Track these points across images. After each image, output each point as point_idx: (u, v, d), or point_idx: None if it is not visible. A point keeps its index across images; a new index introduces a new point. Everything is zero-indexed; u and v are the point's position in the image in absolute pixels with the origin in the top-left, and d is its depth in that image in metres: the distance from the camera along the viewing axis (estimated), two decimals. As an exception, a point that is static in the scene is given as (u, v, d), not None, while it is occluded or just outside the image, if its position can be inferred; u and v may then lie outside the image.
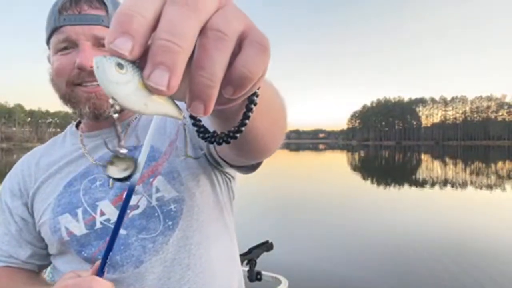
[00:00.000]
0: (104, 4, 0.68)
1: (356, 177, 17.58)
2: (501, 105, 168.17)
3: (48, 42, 0.72)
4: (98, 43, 0.68)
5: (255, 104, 0.35)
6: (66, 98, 0.70)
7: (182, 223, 0.68)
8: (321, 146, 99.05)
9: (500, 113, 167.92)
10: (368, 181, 15.39)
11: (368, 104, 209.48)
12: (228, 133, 0.37)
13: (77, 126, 0.84)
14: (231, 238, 0.79)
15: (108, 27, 0.67)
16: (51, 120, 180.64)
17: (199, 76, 0.23)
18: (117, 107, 0.27)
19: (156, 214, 0.67)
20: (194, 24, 0.23)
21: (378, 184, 14.13)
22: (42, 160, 0.78)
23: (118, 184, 0.68)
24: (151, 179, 0.67)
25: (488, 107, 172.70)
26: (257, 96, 0.35)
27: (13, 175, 0.79)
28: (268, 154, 0.54)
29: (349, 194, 11.10)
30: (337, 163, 28.42)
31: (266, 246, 1.96)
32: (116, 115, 0.27)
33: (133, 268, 0.66)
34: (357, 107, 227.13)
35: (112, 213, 0.67)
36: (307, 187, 12.26)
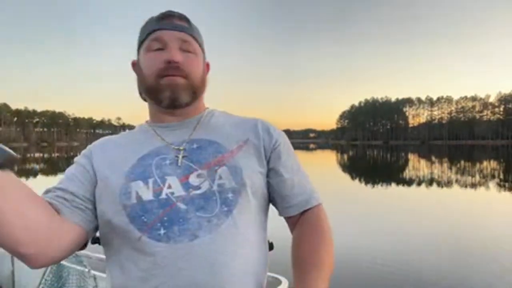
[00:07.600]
0: (189, 21, 0.86)
1: (348, 177, 18.20)
2: (485, 105, 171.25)
3: (140, 47, 0.85)
4: (181, 48, 0.82)
5: None
6: (152, 89, 0.82)
7: (235, 212, 0.75)
8: (311, 146, 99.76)
9: (484, 113, 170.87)
10: (363, 181, 15.90)
11: (356, 104, 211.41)
12: None
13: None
14: (265, 240, 0.87)
15: (191, 35, 0.84)
16: (38, 119, 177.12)
17: None
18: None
19: (215, 198, 0.75)
20: None
21: (374, 184, 14.66)
22: (114, 141, 0.89)
23: (185, 165, 0.78)
24: (216, 168, 0.77)
25: (473, 107, 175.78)
26: None
27: (87, 150, 0.87)
28: None
29: (346, 194, 11.54)
30: (331, 163, 29.01)
31: (266, 246, 2.23)
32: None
33: (188, 240, 0.71)
34: (346, 107, 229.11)
35: (177, 188, 0.76)
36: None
